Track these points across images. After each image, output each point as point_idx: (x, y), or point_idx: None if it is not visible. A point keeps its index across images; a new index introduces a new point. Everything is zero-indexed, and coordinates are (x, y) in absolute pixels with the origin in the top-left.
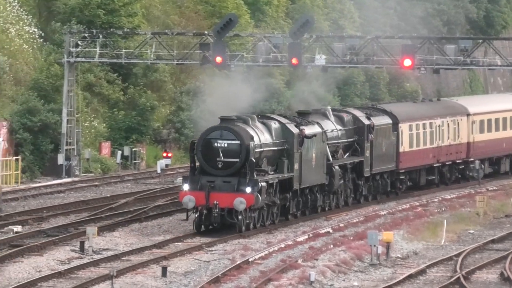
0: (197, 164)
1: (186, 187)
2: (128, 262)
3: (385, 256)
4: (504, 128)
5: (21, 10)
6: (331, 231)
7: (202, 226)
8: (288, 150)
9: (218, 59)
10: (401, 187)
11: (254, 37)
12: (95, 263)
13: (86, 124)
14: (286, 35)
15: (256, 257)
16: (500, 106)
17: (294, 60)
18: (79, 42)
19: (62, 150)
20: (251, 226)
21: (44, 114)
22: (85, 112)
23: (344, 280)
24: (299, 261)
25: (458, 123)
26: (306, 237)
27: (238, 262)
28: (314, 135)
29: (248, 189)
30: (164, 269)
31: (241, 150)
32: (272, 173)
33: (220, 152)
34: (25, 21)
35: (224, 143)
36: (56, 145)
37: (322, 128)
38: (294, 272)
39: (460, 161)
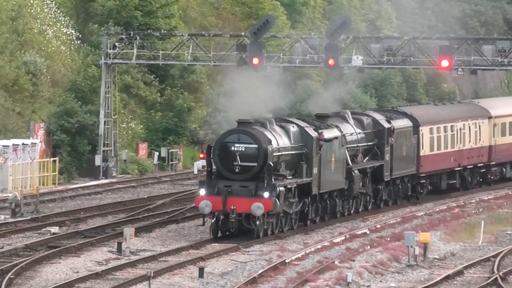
0: (214, 168)
1: (202, 191)
2: (165, 263)
3: (422, 257)
4: None
5: (59, 11)
6: (368, 232)
7: (219, 231)
8: (306, 154)
9: (255, 61)
10: (422, 191)
11: (291, 38)
12: (132, 264)
13: (123, 125)
14: (323, 36)
15: (293, 258)
16: None
17: (330, 61)
18: (117, 44)
19: (99, 151)
20: (268, 232)
21: (81, 116)
22: (122, 113)
23: (381, 281)
24: (336, 262)
25: (479, 126)
26: (342, 238)
27: (275, 263)
28: (335, 137)
29: (266, 194)
30: (201, 270)
31: (259, 154)
32: (290, 177)
33: (237, 156)
34: (63, 22)
35: (242, 146)
36: (94, 147)
37: (341, 131)
38: (331, 273)
39: (482, 164)
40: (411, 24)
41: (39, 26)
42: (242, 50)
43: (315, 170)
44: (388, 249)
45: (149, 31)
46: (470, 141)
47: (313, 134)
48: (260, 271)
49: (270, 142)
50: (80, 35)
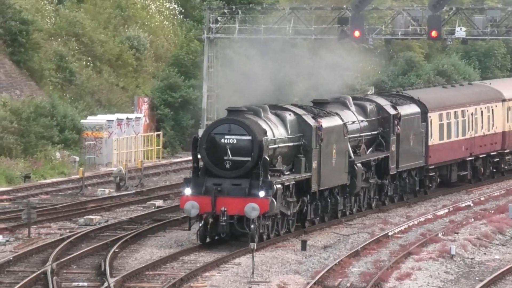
0: (201, 164)
1: (188, 191)
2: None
3: None
4: None
5: None
6: (471, 204)
7: (207, 237)
8: (305, 146)
9: (356, 33)
10: (430, 185)
11: (393, 10)
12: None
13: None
14: (426, 8)
15: (396, 231)
16: None
17: (433, 33)
18: (219, 18)
19: (202, 125)
20: (264, 237)
21: (184, 90)
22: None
23: (485, 254)
24: (439, 235)
25: (492, 110)
26: (446, 211)
27: (378, 236)
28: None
29: (262, 193)
30: (304, 243)
31: (253, 147)
32: (287, 173)
33: (228, 150)
34: None
35: (233, 139)
36: (197, 121)
37: (342, 120)
38: (434, 246)
39: (495, 153)
40: None
41: (142, 1)
42: (343, 23)
43: (314, 164)
44: (492, 222)
45: (251, 5)
46: (482, 128)
47: (312, 122)
48: (363, 244)
49: (265, 133)
50: (182, 10)
